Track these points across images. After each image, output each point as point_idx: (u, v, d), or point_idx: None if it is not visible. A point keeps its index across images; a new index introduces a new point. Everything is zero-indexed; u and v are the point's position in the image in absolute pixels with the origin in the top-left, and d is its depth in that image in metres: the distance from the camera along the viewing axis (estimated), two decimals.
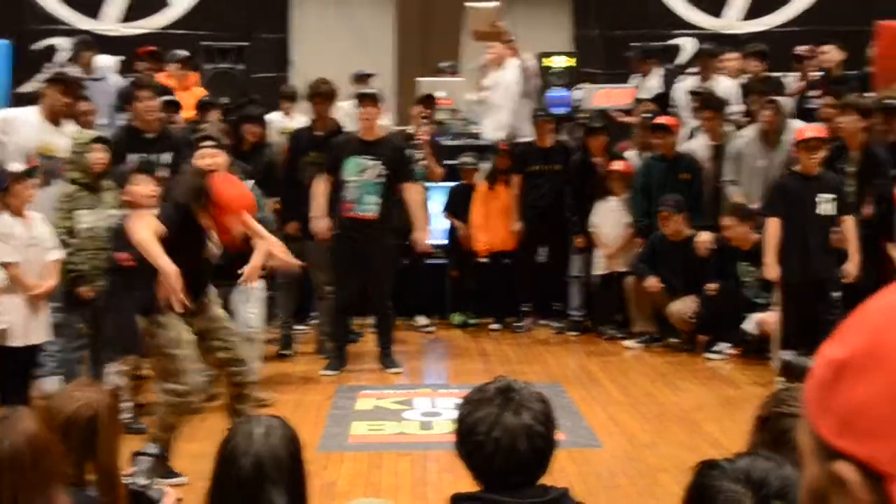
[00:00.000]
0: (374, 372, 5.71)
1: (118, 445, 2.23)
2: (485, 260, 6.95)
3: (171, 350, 3.78)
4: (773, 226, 5.38)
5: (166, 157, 5.39)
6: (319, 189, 5.59)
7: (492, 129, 7.37)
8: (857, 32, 8.00)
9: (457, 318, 7.01)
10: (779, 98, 6.29)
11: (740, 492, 1.29)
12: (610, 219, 6.62)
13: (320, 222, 5.57)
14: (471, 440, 1.68)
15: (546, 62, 7.86)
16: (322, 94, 6.10)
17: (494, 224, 6.85)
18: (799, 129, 5.51)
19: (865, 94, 6.19)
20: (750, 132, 6.33)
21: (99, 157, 4.80)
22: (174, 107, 6.28)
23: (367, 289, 5.63)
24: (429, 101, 6.52)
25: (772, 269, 5.37)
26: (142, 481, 2.17)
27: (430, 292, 6.94)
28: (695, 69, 7.60)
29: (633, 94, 7.48)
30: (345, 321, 5.76)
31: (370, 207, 5.47)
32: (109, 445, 2.14)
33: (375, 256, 5.47)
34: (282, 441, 1.75)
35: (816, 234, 5.38)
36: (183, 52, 7.69)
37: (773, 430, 1.71)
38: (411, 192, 5.61)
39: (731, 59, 7.42)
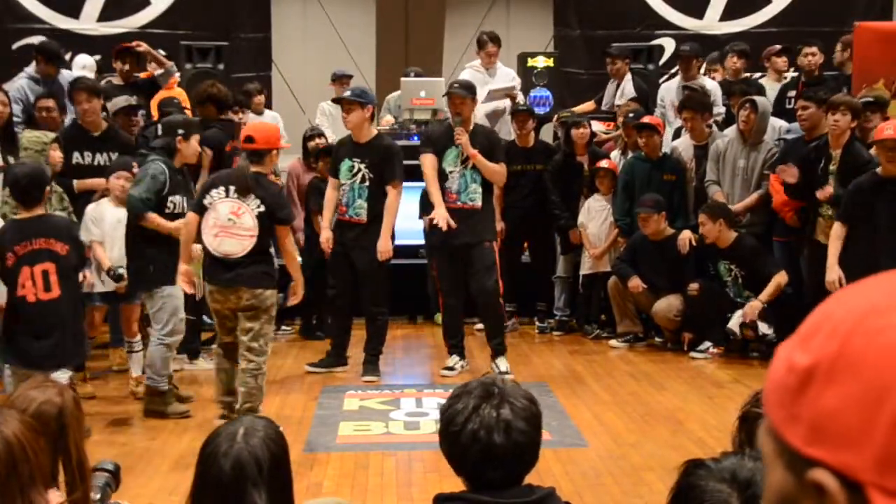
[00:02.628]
0: (360, 372, 5.71)
1: (83, 437, 2.23)
2: None
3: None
4: (837, 229, 5.12)
5: (110, 156, 5.62)
6: (329, 195, 5.61)
7: None
8: (835, 33, 8.10)
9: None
10: (757, 98, 6.30)
11: (726, 491, 1.30)
12: (597, 218, 6.65)
13: (325, 233, 5.57)
14: (449, 431, 1.69)
15: (530, 62, 7.90)
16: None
17: None
18: (878, 127, 5.17)
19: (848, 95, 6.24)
20: (731, 132, 6.37)
21: (58, 156, 4.92)
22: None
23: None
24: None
25: (832, 270, 5.06)
26: (95, 496, 2.15)
27: (414, 293, 6.94)
28: (675, 69, 7.67)
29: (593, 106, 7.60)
30: (342, 320, 5.75)
31: (359, 211, 5.47)
32: (78, 438, 2.14)
33: (362, 260, 5.46)
34: (263, 442, 1.74)
35: None
36: (160, 52, 7.64)
37: (750, 429, 1.73)
38: (389, 195, 5.45)
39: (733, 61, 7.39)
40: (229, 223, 4.40)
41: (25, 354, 4.26)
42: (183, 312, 4.77)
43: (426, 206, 6.66)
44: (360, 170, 5.44)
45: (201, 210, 4.43)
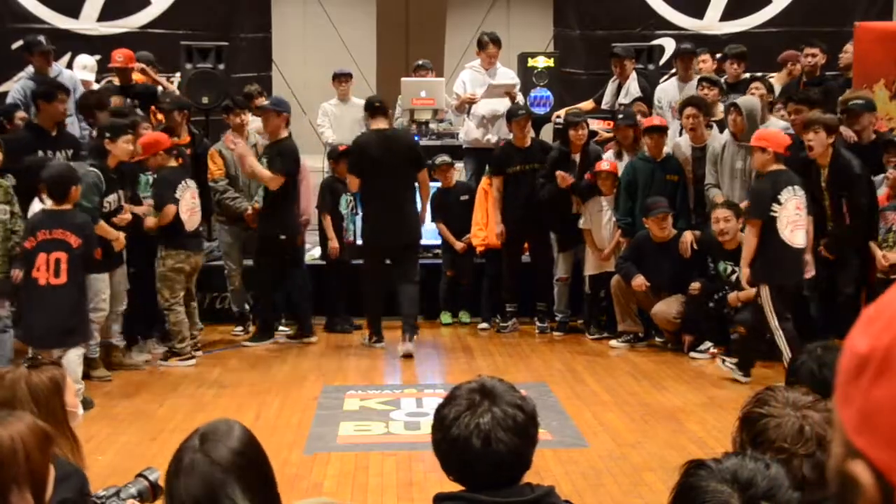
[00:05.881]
0: (360, 371, 5.72)
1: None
2: (482, 260, 6.97)
3: None
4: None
5: (66, 153, 6.05)
6: None
7: (474, 131, 7.39)
8: (835, 33, 8.09)
9: (446, 318, 7.04)
10: (740, 101, 6.24)
11: (727, 492, 1.30)
12: (600, 219, 6.64)
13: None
14: (434, 437, 1.72)
15: (530, 62, 7.89)
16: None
17: (492, 222, 6.88)
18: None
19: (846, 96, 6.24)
20: (727, 135, 6.35)
21: None
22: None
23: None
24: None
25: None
26: (101, 493, 2.11)
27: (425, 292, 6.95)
28: (674, 70, 7.66)
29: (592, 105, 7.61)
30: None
31: None
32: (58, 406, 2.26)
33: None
34: (224, 445, 1.64)
35: None
36: (147, 54, 7.62)
37: (750, 430, 1.73)
38: None
39: (705, 60, 7.48)
40: (194, 205, 5.93)
41: (31, 332, 4.89)
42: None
43: (437, 210, 6.87)
44: None
45: (175, 201, 5.80)
